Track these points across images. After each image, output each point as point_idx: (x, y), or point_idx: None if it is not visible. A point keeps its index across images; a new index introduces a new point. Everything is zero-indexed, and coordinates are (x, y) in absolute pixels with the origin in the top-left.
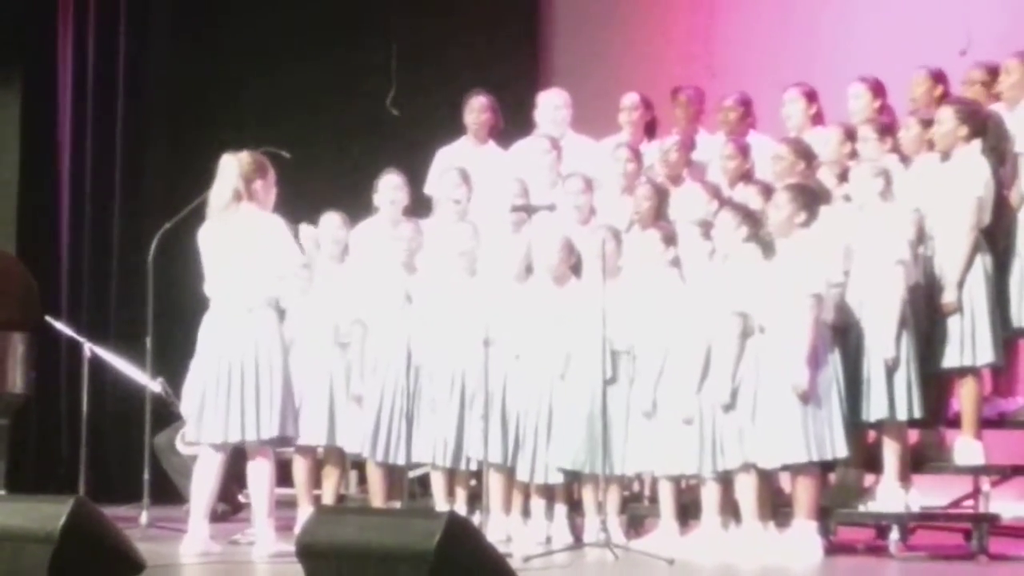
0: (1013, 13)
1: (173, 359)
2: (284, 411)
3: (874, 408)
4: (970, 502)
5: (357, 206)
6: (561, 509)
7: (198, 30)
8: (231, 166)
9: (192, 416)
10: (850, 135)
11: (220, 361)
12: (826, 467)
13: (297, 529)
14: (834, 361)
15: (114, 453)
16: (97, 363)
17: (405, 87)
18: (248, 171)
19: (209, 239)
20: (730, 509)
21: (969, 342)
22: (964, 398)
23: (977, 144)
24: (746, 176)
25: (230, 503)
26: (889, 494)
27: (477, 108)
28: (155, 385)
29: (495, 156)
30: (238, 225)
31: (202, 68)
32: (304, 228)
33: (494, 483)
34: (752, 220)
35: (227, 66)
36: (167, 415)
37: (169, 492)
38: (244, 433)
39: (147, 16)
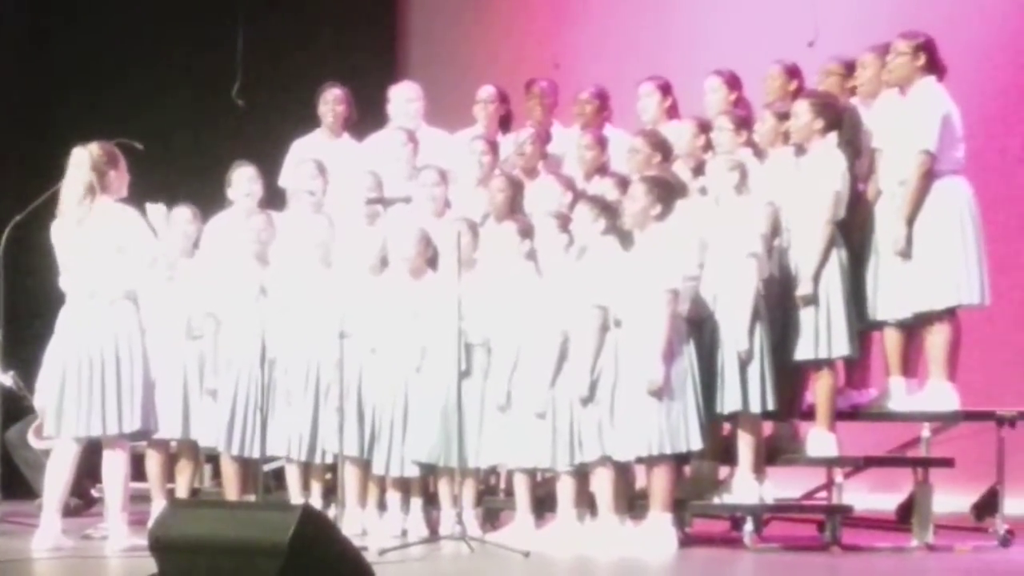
0: (861, 5)
1: (25, 352)
2: (145, 404)
3: (728, 401)
4: (823, 493)
5: (211, 199)
6: (417, 502)
7: (49, 24)
8: (82, 159)
9: (51, 410)
10: (704, 128)
11: (80, 354)
12: (681, 459)
13: (151, 523)
14: (689, 354)
15: None
16: None
17: (258, 78)
18: (100, 163)
19: (64, 233)
20: (586, 502)
21: (824, 335)
22: (818, 390)
23: (833, 137)
24: (602, 169)
25: (83, 498)
26: (743, 486)
27: (332, 100)
28: (6, 379)
29: (350, 149)
30: (94, 218)
31: (53, 61)
32: (151, 208)
33: (349, 476)
34: (610, 212)
35: (78, 59)
36: (19, 409)
37: (21, 487)
38: (106, 427)
39: None
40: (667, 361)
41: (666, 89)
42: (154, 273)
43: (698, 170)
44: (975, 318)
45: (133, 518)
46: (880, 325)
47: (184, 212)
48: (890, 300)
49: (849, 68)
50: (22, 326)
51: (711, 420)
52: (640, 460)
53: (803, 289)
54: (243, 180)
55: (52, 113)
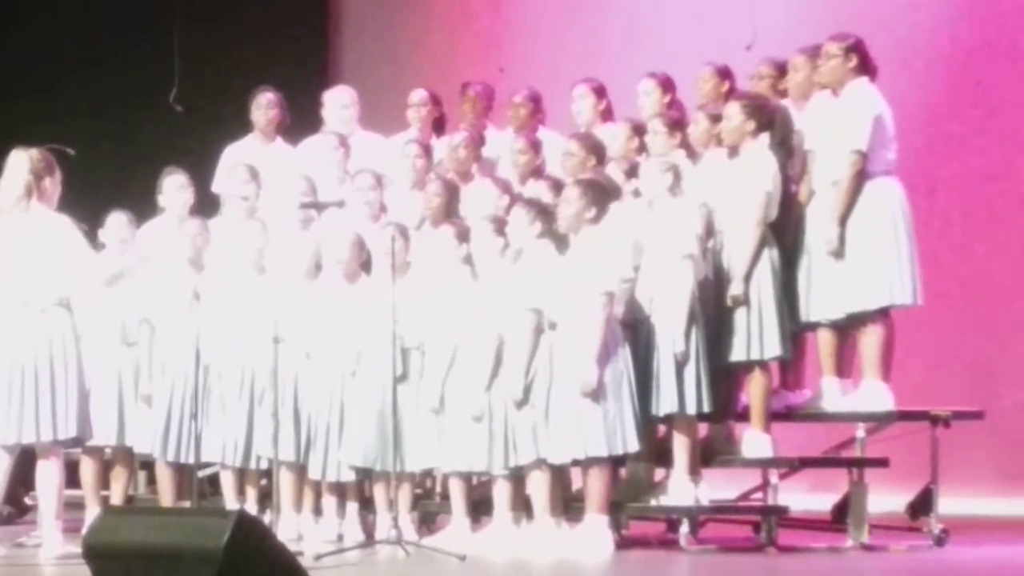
0: (797, 8)
1: None
2: (80, 411)
3: (664, 402)
4: (759, 495)
5: (144, 205)
6: (353, 507)
7: None
8: (21, 162)
9: None
10: (638, 130)
11: (13, 362)
12: (617, 462)
13: (85, 531)
14: (625, 356)
15: None
16: None
17: (191, 84)
18: (39, 168)
19: None
20: (522, 505)
21: (756, 336)
22: (752, 392)
23: (764, 138)
24: (537, 172)
25: (16, 505)
26: (679, 488)
27: (264, 104)
28: None
29: (283, 153)
30: (28, 225)
31: None
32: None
33: (285, 481)
34: (546, 215)
35: (9, 63)
36: None
37: None
38: (39, 434)
39: None
40: (602, 363)
41: (600, 91)
42: (92, 280)
43: (632, 172)
44: (908, 318)
45: (67, 525)
46: (813, 326)
47: (120, 218)
48: (823, 301)
49: (780, 70)
50: None
51: (647, 422)
52: (576, 462)
53: (734, 289)
54: (173, 187)
55: None
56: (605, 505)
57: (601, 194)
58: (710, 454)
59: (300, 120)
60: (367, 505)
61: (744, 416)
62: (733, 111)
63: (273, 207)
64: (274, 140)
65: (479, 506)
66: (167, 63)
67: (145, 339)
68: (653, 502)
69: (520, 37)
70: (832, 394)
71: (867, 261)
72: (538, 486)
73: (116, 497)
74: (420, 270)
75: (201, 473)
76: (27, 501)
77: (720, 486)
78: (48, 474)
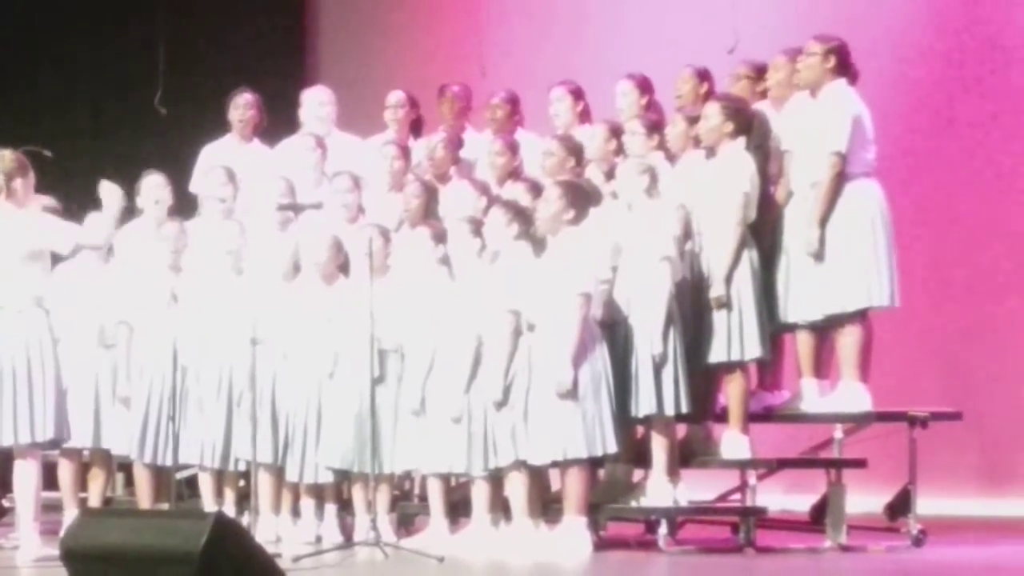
0: (780, 11)
1: None
2: (58, 412)
3: (642, 404)
4: (737, 496)
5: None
6: (331, 508)
7: None
8: None
9: None
10: (615, 132)
11: None
12: (595, 463)
13: (63, 533)
14: (603, 357)
15: None
16: None
17: (169, 85)
18: (10, 169)
19: None
20: (500, 506)
21: (736, 337)
22: (731, 393)
23: (742, 141)
24: (514, 174)
25: None
26: (658, 489)
27: (242, 105)
28: None
29: (260, 154)
30: (1, 226)
31: None
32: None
33: (263, 483)
34: (523, 217)
35: None
36: None
37: None
38: (17, 436)
39: None
40: (577, 364)
41: (578, 93)
42: (84, 259)
43: (611, 174)
44: (886, 319)
45: (45, 528)
46: (792, 327)
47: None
48: (801, 302)
49: (759, 71)
50: None
51: (625, 423)
52: (555, 464)
53: (716, 291)
54: (151, 188)
55: None
56: (583, 506)
57: (581, 197)
58: (688, 455)
59: (278, 122)
60: (345, 507)
61: (722, 417)
62: (712, 111)
63: (251, 208)
64: (251, 141)
65: (458, 507)
66: (146, 64)
67: (123, 341)
68: (632, 503)
69: (497, 39)
70: (810, 395)
71: (845, 262)
72: (517, 487)
73: (94, 499)
74: (398, 272)
75: (179, 475)
76: (4, 503)
77: (698, 487)
78: (25, 476)
